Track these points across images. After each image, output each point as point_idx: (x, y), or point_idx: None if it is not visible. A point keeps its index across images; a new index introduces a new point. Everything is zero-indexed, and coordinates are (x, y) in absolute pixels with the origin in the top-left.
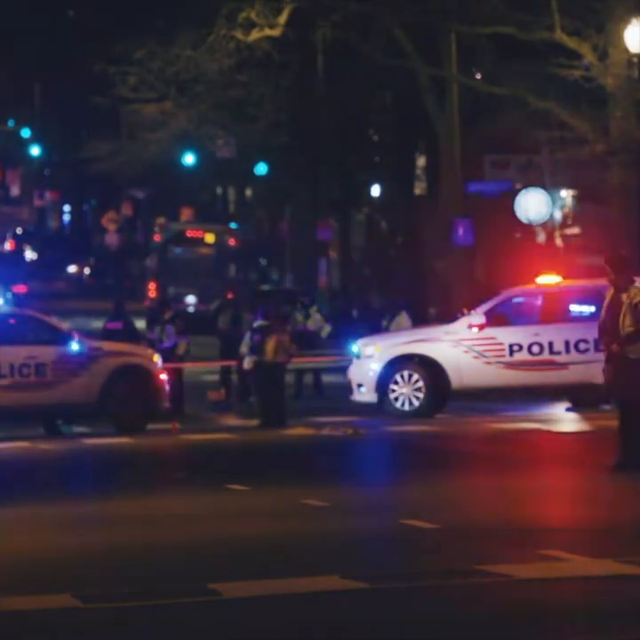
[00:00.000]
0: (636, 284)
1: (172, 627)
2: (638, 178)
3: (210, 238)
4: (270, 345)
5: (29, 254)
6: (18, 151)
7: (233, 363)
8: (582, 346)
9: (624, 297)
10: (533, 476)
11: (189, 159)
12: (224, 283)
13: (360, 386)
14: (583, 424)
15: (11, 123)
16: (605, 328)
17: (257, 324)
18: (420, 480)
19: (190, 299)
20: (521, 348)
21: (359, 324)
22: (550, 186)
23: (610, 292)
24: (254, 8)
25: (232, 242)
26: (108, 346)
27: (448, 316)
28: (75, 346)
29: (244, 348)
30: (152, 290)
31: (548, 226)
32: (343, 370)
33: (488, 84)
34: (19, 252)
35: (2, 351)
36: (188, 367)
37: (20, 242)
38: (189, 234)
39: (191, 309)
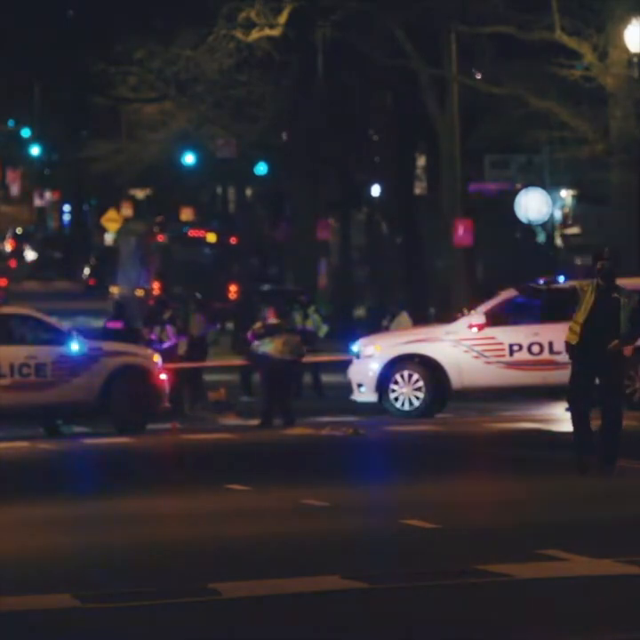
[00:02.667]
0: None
1: (172, 627)
2: (638, 178)
3: (212, 238)
4: (278, 343)
5: (29, 254)
6: (18, 151)
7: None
8: None
9: (623, 299)
10: (533, 476)
11: (189, 159)
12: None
13: (360, 386)
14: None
15: (11, 123)
16: (589, 328)
17: (270, 321)
18: (420, 480)
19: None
20: (521, 347)
21: (360, 324)
22: (550, 186)
23: (590, 292)
24: (254, 8)
25: (233, 241)
26: (107, 346)
27: (448, 316)
28: (75, 346)
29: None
30: (156, 289)
31: (548, 226)
32: (343, 369)
33: (488, 84)
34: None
35: (2, 351)
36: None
37: (20, 242)
38: (192, 234)
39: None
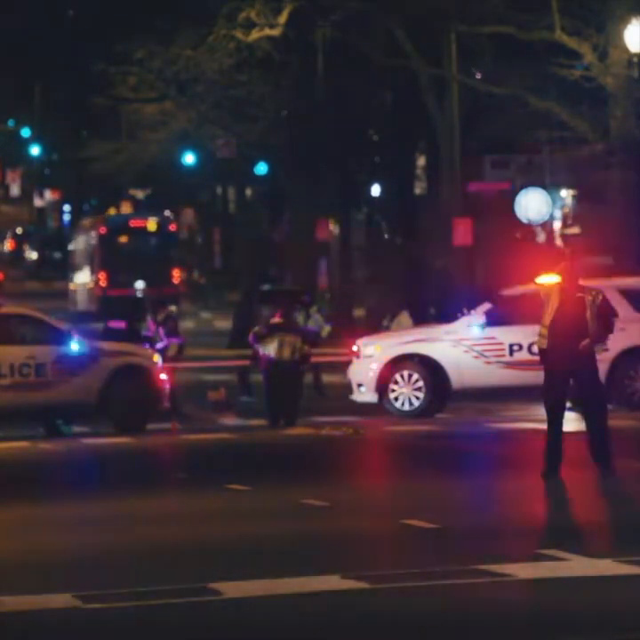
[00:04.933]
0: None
1: (172, 627)
2: (638, 178)
3: (152, 226)
4: (275, 343)
5: (29, 254)
6: (18, 151)
7: (246, 362)
8: None
9: (587, 298)
10: (533, 476)
11: (189, 159)
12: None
13: (360, 386)
14: (583, 424)
15: (11, 123)
16: (556, 330)
17: (273, 321)
18: (420, 480)
19: (139, 284)
20: (521, 347)
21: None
22: (550, 186)
23: (554, 295)
24: (254, 8)
25: (173, 228)
26: (107, 346)
27: (448, 316)
28: (75, 346)
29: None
30: (102, 279)
31: (548, 226)
32: (343, 369)
33: (488, 84)
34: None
35: (2, 351)
36: (184, 367)
37: (19, 242)
38: (132, 223)
39: (140, 294)
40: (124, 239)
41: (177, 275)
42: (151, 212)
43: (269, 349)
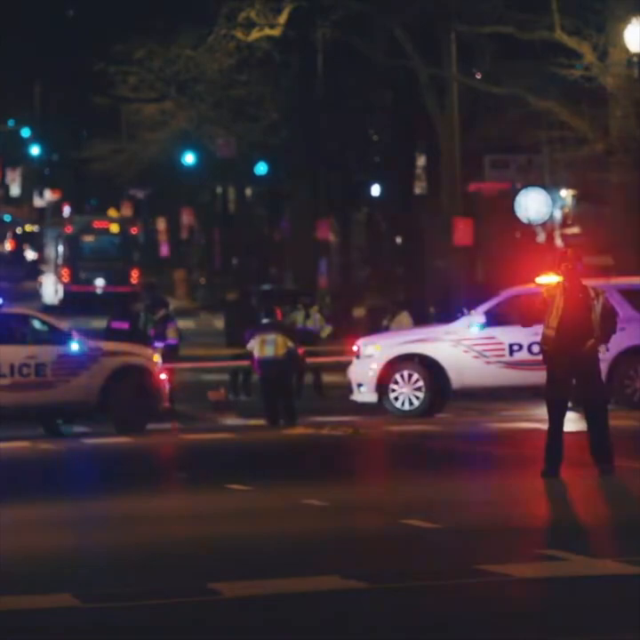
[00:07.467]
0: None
1: (172, 627)
2: (638, 178)
3: (114, 228)
4: (259, 342)
5: (30, 254)
6: (18, 151)
7: (245, 362)
8: None
9: (591, 299)
10: (533, 476)
11: (189, 159)
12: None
13: (360, 385)
14: (583, 424)
15: (11, 123)
16: (562, 331)
17: (262, 320)
18: (421, 480)
19: (99, 281)
20: (521, 347)
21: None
22: (550, 186)
23: (558, 296)
24: (254, 8)
25: (134, 230)
26: (107, 346)
27: (448, 316)
28: (75, 346)
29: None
30: (65, 275)
31: (548, 226)
32: (343, 369)
33: (488, 83)
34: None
35: (2, 351)
36: (184, 367)
37: (20, 242)
38: (96, 224)
39: (100, 291)
40: (87, 239)
41: (135, 275)
42: (154, 212)
43: (254, 349)
